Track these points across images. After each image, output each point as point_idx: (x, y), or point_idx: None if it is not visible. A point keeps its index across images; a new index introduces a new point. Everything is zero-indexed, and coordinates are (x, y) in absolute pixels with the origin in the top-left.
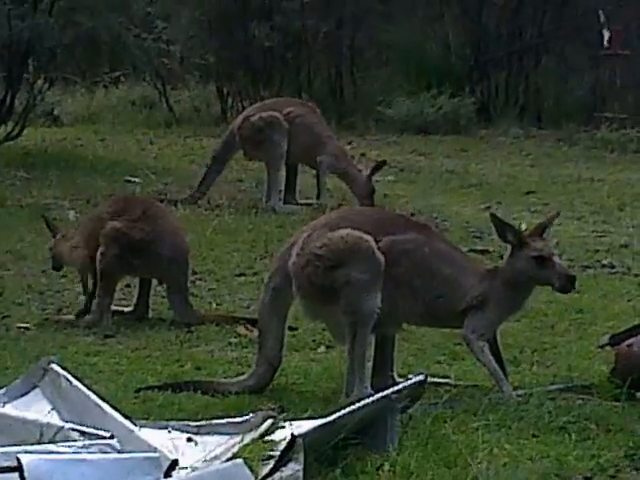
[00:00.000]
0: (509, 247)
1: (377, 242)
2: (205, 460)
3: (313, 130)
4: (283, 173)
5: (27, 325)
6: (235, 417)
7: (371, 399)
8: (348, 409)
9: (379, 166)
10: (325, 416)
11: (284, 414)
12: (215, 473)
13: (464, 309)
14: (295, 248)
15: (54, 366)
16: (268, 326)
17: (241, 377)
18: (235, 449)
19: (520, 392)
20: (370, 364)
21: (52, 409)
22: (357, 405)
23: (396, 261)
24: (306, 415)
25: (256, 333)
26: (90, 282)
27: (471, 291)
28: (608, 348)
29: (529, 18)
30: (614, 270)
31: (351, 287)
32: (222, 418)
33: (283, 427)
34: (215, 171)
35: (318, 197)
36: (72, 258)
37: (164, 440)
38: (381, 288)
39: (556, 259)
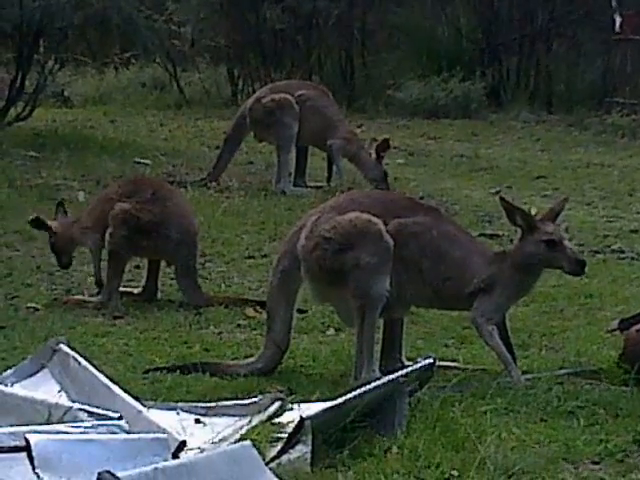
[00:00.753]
0: (519, 231)
1: (385, 225)
2: (213, 442)
3: (324, 113)
4: (293, 156)
5: (36, 305)
6: (243, 399)
7: (380, 382)
8: (356, 392)
9: (383, 146)
10: (333, 399)
11: (292, 396)
12: (223, 454)
13: (472, 292)
14: (304, 231)
15: (63, 346)
16: (276, 309)
17: (249, 359)
18: (243, 431)
19: (528, 376)
20: (379, 347)
21: (60, 389)
22: (366, 388)
23: (405, 244)
24: (314, 397)
25: (265, 315)
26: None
27: (479, 274)
28: (617, 333)
29: (541, 2)
30: (623, 255)
31: (360, 270)
32: (230, 400)
33: (291, 409)
34: (228, 152)
35: (328, 180)
36: (84, 240)
37: (172, 421)
38: (390, 271)
39: (566, 243)
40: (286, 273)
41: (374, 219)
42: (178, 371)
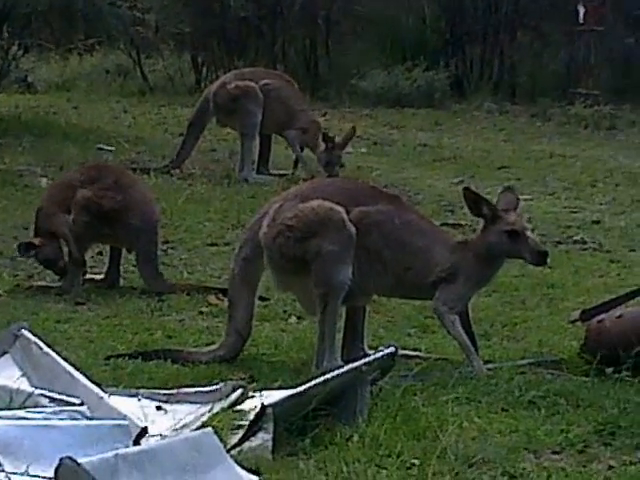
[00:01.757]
0: (482, 221)
1: (348, 213)
2: (175, 429)
3: (286, 103)
4: (256, 143)
5: None
6: (205, 386)
7: (341, 370)
8: (318, 380)
9: (347, 135)
10: (295, 386)
11: (254, 384)
12: (184, 441)
13: (434, 281)
14: (266, 219)
15: (25, 332)
16: (238, 297)
17: (211, 347)
18: (205, 418)
19: (490, 366)
20: (340, 336)
21: (22, 375)
22: (327, 376)
23: (367, 232)
24: (276, 385)
25: (227, 303)
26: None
27: (441, 263)
28: (579, 324)
29: None
30: (586, 246)
31: (322, 258)
32: (192, 387)
33: (253, 397)
34: (192, 137)
35: (294, 167)
36: (56, 224)
37: (134, 408)
38: (352, 260)
39: (529, 233)
40: (248, 261)
41: (336, 207)
42: (140, 358)
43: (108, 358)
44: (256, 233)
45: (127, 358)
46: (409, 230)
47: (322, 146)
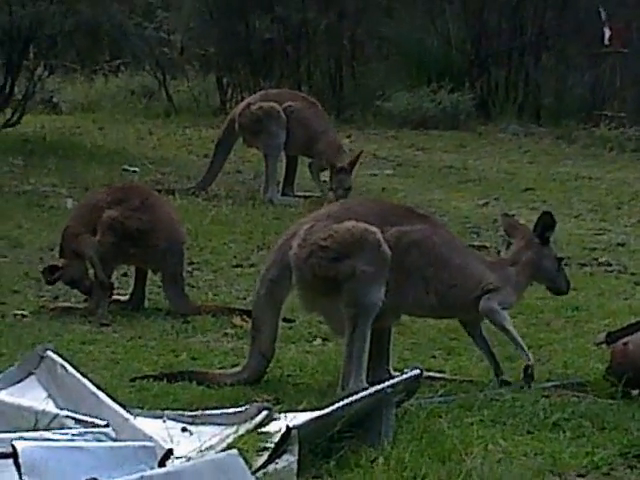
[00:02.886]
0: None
1: (382, 233)
2: (200, 450)
3: (306, 125)
4: (281, 165)
5: (23, 312)
6: (230, 408)
7: (367, 392)
8: (344, 402)
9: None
10: (320, 408)
11: (279, 406)
12: (210, 463)
13: (478, 296)
14: (295, 239)
15: (50, 353)
16: (263, 318)
17: (235, 369)
18: (230, 440)
19: (515, 388)
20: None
21: (47, 396)
22: (353, 398)
23: (405, 252)
24: (301, 407)
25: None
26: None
27: (484, 279)
28: (604, 346)
29: (530, 14)
30: (611, 268)
31: (356, 279)
32: (217, 409)
33: (278, 419)
34: (220, 157)
35: (319, 190)
36: (83, 246)
37: (159, 429)
38: (386, 280)
39: None
40: (274, 282)
41: (372, 228)
42: (165, 379)
43: (134, 380)
44: (284, 254)
45: (152, 380)
46: (448, 248)
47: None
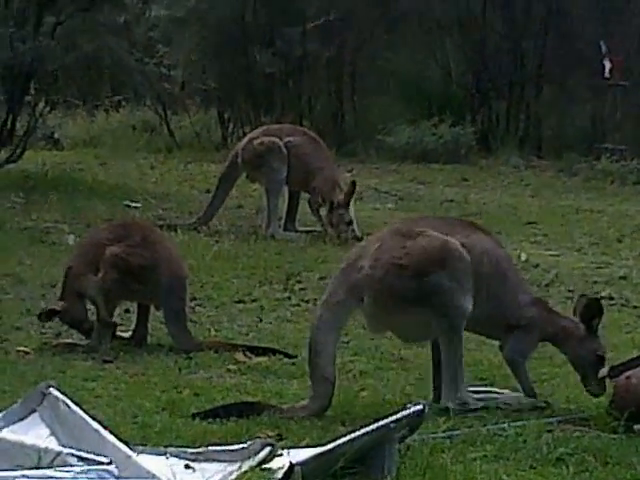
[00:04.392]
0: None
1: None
2: None
3: (305, 161)
4: (282, 199)
5: (26, 349)
6: (233, 444)
7: (369, 428)
8: (346, 438)
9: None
10: (323, 444)
11: (282, 442)
12: None
13: (511, 325)
14: (364, 261)
15: (53, 390)
16: (325, 342)
17: (303, 402)
18: (233, 477)
19: (518, 423)
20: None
21: (50, 434)
22: (355, 434)
23: (479, 260)
24: (304, 443)
25: (255, 360)
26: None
27: (524, 310)
28: (607, 380)
29: (530, 47)
30: (613, 302)
31: (444, 291)
32: (220, 445)
33: (281, 455)
34: (223, 191)
35: (320, 225)
36: (86, 286)
37: (162, 466)
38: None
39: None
40: (341, 305)
41: (450, 239)
42: (228, 414)
43: (193, 417)
44: (351, 277)
45: (213, 417)
46: (508, 264)
47: (327, 207)
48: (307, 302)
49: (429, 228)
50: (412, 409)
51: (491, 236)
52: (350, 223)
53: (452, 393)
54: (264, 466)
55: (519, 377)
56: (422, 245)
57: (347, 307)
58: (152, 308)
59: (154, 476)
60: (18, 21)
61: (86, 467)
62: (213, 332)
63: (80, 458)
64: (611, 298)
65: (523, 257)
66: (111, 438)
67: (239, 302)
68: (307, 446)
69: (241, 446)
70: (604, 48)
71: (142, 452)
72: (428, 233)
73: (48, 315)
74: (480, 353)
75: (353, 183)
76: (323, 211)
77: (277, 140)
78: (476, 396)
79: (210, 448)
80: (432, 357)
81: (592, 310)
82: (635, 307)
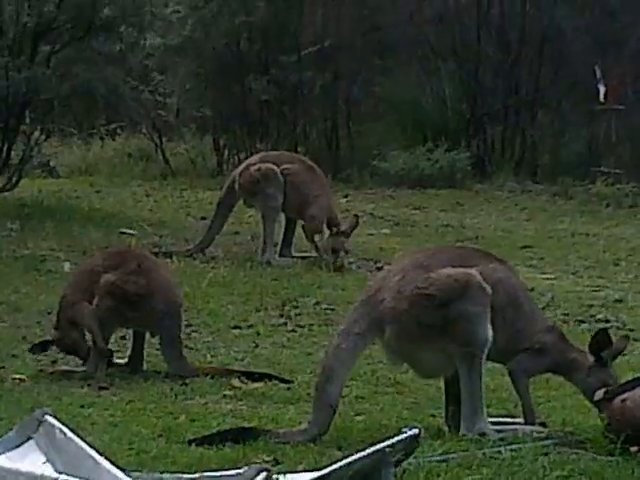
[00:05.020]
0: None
1: None
2: None
3: (299, 189)
4: (278, 226)
5: (22, 376)
6: (229, 470)
7: (365, 452)
8: (342, 462)
9: (351, 223)
10: (319, 469)
11: (278, 467)
12: None
13: (524, 348)
14: (386, 293)
15: (49, 417)
16: (339, 371)
17: (303, 426)
18: None
19: (514, 447)
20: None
21: (46, 461)
22: (351, 458)
23: (495, 290)
24: (300, 468)
25: (251, 386)
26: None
27: (539, 335)
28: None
29: (525, 72)
30: (609, 325)
31: (465, 320)
32: (216, 471)
33: None
34: (220, 217)
35: (316, 251)
36: (77, 315)
37: None
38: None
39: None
40: (362, 336)
41: (470, 270)
42: (228, 440)
43: (189, 443)
44: (372, 308)
45: (210, 442)
46: (523, 293)
47: (327, 232)
48: (303, 328)
49: (446, 259)
50: (408, 433)
51: (506, 265)
52: (348, 252)
53: (472, 424)
54: None
55: (520, 391)
56: (445, 275)
57: (367, 338)
58: (148, 335)
59: None
60: (13, 50)
61: None
62: (209, 358)
63: None
64: (607, 321)
65: None
66: (107, 465)
67: (235, 328)
68: (303, 471)
69: (237, 471)
70: (598, 73)
71: (138, 478)
72: (442, 265)
73: (41, 347)
74: None
75: (356, 217)
76: (317, 237)
77: (274, 167)
78: (494, 427)
79: (206, 474)
80: (445, 389)
81: (601, 341)
82: (631, 330)
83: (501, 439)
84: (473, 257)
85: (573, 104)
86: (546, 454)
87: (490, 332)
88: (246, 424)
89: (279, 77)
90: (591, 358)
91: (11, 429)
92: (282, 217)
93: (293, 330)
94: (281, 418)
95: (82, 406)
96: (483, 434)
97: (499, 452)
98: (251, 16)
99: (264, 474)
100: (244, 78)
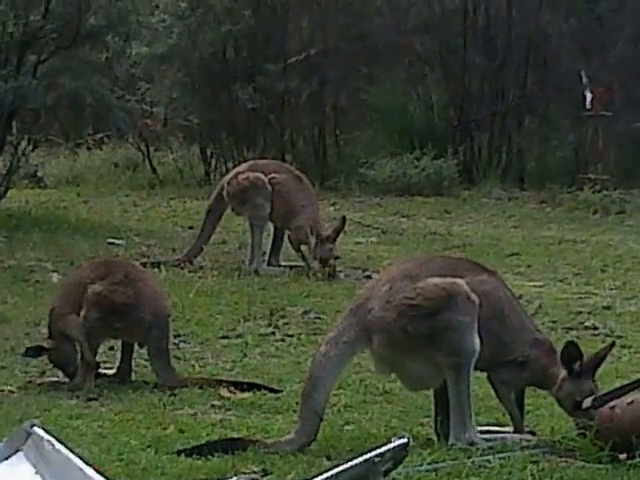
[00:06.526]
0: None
1: None
2: None
3: (286, 198)
4: (266, 235)
5: (10, 388)
6: None
7: (354, 462)
8: (331, 472)
9: (337, 227)
10: (309, 479)
11: (267, 477)
12: None
13: (508, 361)
14: (374, 302)
15: (37, 429)
16: (325, 379)
17: (289, 436)
18: None
19: (503, 455)
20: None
21: (35, 473)
22: (340, 468)
23: (480, 302)
24: (289, 478)
25: (239, 396)
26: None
27: (523, 349)
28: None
29: (512, 79)
30: (597, 332)
31: (453, 330)
32: None
33: None
34: (209, 225)
35: (304, 260)
36: (69, 327)
37: None
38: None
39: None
40: (349, 345)
41: (458, 280)
42: (217, 450)
43: (179, 454)
44: (361, 318)
45: (198, 453)
46: (509, 305)
47: (313, 241)
48: (291, 337)
49: (435, 268)
50: (397, 442)
51: (495, 276)
52: (337, 258)
53: (461, 433)
54: None
55: (503, 402)
56: (432, 285)
57: (355, 347)
58: (136, 345)
59: None
60: None
61: None
62: (197, 368)
63: None
64: (595, 328)
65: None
66: (96, 476)
67: (223, 338)
68: None
69: None
70: (585, 79)
71: None
72: (430, 275)
73: (36, 352)
74: None
75: (343, 219)
76: (304, 247)
77: (262, 176)
78: (483, 436)
79: None
80: (434, 398)
81: (570, 353)
82: (619, 337)
83: (490, 448)
84: (462, 267)
85: (560, 110)
86: (535, 462)
87: (478, 342)
88: (235, 434)
89: (266, 85)
90: (564, 371)
91: (0, 441)
92: (270, 226)
93: (282, 339)
94: (270, 428)
95: (70, 417)
96: (472, 443)
97: (488, 461)
98: (237, 25)
99: None
100: (231, 87)
